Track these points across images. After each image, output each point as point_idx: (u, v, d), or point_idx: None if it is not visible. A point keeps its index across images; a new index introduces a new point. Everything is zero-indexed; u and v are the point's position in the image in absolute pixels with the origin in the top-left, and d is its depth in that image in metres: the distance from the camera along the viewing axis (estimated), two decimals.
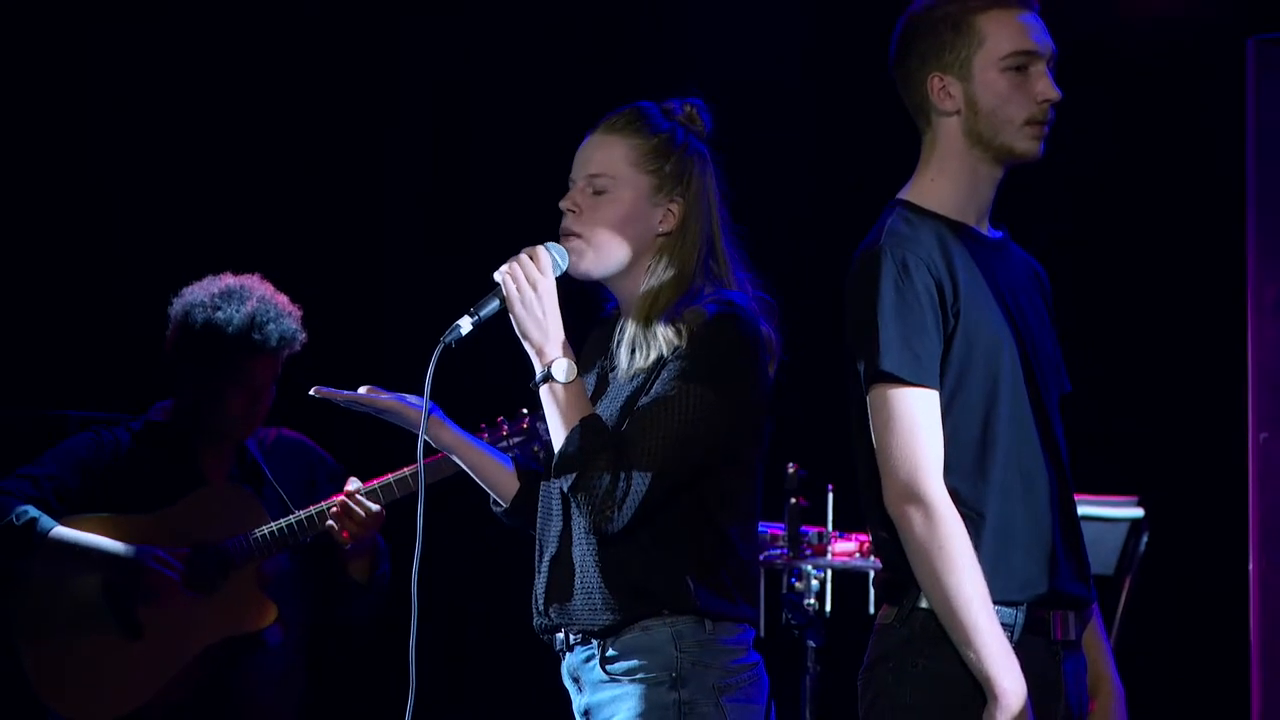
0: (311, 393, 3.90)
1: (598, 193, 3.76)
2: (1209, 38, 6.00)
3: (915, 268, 3.40)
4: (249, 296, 5.11)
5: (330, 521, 4.94)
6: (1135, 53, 6.30)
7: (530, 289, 3.67)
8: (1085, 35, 5.92)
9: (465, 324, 3.67)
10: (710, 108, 3.87)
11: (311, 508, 5.02)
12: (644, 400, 3.65)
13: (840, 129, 6.44)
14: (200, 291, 5.15)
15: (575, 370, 3.67)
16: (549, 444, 3.74)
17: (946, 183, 3.52)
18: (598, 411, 3.70)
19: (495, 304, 3.70)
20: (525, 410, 4.70)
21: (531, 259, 3.69)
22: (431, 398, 3.72)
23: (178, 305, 5.17)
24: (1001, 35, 3.47)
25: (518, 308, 3.67)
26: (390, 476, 4.95)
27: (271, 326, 5.09)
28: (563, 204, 3.78)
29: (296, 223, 6.60)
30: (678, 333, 3.67)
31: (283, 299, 5.17)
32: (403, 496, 4.93)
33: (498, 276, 3.70)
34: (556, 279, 3.73)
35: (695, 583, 3.64)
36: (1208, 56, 5.96)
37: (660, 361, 3.67)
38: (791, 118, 6.48)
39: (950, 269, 3.43)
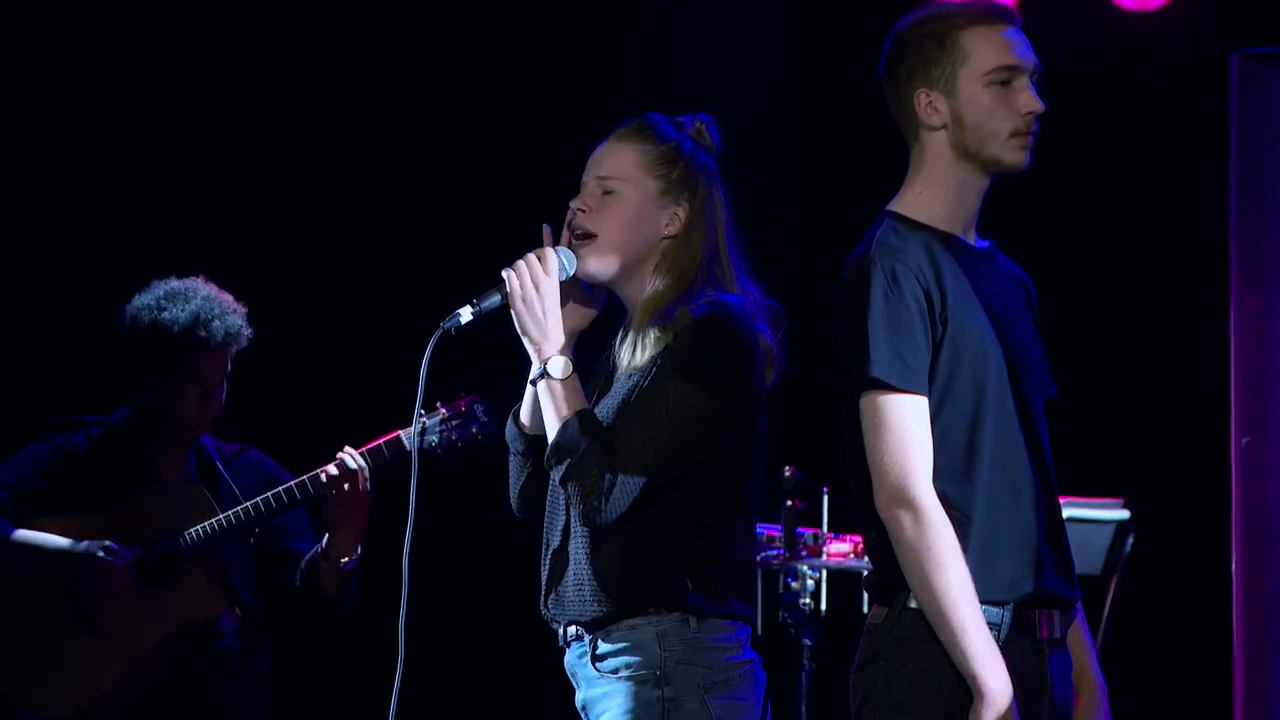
0: None
1: (607, 194, 3.83)
2: (1193, 53, 6.03)
3: (904, 277, 3.44)
4: (193, 296, 5.12)
5: (323, 478, 4.93)
6: (1121, 67, 6.33)
7: (533, 287, 3.74)
8: (1072, 50, 6.00)
9: (466, 313, 3.76)
10: (719, 125, 3.94)
11: (293, 482, 4.99)
12: (634, 398, 3.71)
13: (834, 140, 6.46)
14: (145, 296, 5.16)
15: (571, 367, 3.74)
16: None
17: (934, 194, 3.56)
18: (598, 410, 3.75)
19: (497, 299, 3.78)
20: (463, 394, 4.78)
21: (539, 260, 3.77)
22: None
23: (125, 313, 5.17)
24: (985, 50, 3.52)
25: (518, 304, 3.74)
26: (381, 440, 4.96)
27: (216, 324, 5.08)
28: (574, 203, 3.85)
29: (296, 223, 6.61)
30: (667, 331, 3.74)
31: (227, 297, 5.17)
32: (393, 459, 4.91)
33: (504, 273, 3.78)
34: (564, 283, 3.80)
35: (680, 580, 3.68)
36: (1192, 71, 5.99)
37: (654, 360, 3.73)
38: (785, 128, 6.48)
39: (938, 278, 3.47)
